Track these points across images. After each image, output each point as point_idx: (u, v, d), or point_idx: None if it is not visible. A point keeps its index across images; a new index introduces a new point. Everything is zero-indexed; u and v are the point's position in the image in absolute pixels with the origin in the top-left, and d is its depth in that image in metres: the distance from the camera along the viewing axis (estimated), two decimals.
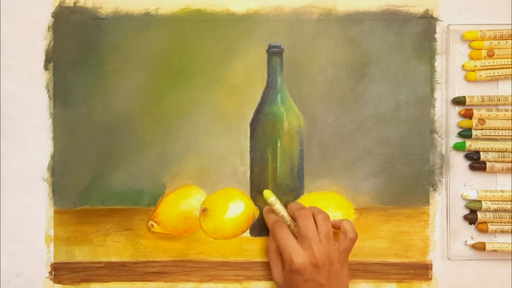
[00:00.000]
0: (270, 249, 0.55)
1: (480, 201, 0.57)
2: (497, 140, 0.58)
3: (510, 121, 0.57)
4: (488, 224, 0.57)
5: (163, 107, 0.58)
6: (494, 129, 0.57)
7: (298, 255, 0.51)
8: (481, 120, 0.57)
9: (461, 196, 0.58)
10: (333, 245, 0.52)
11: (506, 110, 0.57)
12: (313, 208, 0.54)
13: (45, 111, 0.58)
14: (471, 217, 0.58)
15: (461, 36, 0.58)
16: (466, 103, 0.57)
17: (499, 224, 0.57)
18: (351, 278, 0.58)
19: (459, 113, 0.58)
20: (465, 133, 0.58)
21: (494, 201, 0.57)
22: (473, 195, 0.57)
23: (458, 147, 0.58)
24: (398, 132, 0.58)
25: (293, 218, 0.54)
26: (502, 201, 0.57)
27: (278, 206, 0.54)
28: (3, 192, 0.58)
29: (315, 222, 0.53)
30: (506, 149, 0.57)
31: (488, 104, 0.57)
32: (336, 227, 0.54)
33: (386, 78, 0.58)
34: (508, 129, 0.57)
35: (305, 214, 0.53)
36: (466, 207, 0.58)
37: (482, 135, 0.57)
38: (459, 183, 0.58)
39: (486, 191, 0.58)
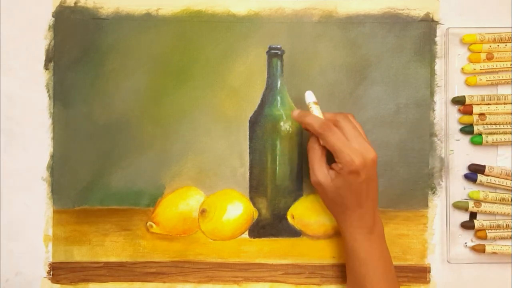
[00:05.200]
0: (314, 148, 0.53)
1: (467, 200, 0.58)
2: (498, 134, 0.58)
3: (510, 116, 0.57)
4: (487, 231, 0.57)
5: (163, 108, 0.58)
6: (496, 123, 0.57)
7: (357, 155, 0.50)
8: (482, 115, 0.57)
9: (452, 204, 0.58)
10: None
11: (505, 103, 0.57)
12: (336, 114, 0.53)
13: (45, 110, 0.58)
14: (468, 225, 0.58)
15: (460, 39, 0.58)
16: (466, 103, 0.58)
17: (497, 231, 0.57)
18: None
19: (459, 110, 0.58)
20: (467, 129, 0.58)
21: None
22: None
23: (475, 141, 0.57)
24: (398, 135, 0.58)
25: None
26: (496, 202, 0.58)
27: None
28: (3, 191, 0.58)
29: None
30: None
31: (488, 103, 0.57)
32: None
33: (386, 81, 0.58)
34: (509, 124, 0.57)
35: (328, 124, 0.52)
36: (453, 206, 0.58)
37: (485, 130, 0.57)
38: (459, 186, 0.58)
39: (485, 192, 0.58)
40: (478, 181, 0.57)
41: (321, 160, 0.53)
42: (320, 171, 0.53)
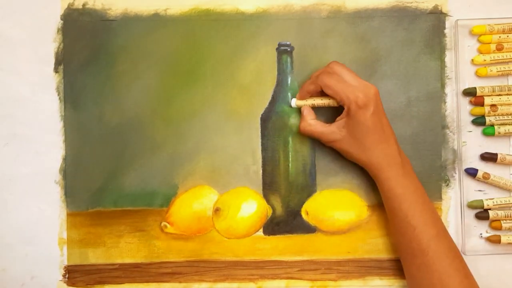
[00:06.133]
0: (309, 124, 0.55)
1: (481, 199, 0.58)
2: (510, 124, 0.58)
3: None
4: (502, 222, 0.57)
5: (174, 107, 0.58)
6: (508, 114, 0.57)
7: (360, 91, 0.52)
8: (493, 106, 0.57)
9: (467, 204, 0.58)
10: None
11: None
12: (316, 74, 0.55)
13: (56, 113, 0.58)
14: (482, 215, 0.58)
15: (469, 30, 0.58)
16: (477, 94, 0.57)
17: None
18: (364, 276, 0.58)
19: (470, 102, 0.58)
20: (479, 121, 0.58)
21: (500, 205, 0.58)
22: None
23: (487, 133, 0.57)
24: (410, 128, 0.58)
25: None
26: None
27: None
28: (16, 195, 0.58)
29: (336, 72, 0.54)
30: None
31: (499, 94, 0.57)
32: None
33: (397, 74, 0.58)
34: None
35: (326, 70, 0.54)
36: (468, 206, 0.58)
37: (497, 121, 0.57)
38: (472, 178, 0.58)
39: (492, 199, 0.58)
40: (477, 177, 0.57)
41: (320, 126, 0.55)
42: (326, 134, 0.55)
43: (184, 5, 0.59)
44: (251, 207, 0.58)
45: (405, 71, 0.58)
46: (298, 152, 0.58)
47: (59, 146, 0.58)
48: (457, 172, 0.58)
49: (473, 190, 0.58)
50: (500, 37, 0.58)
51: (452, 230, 0.58)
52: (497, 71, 0.58)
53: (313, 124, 0.55)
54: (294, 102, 0.56)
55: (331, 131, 0.54)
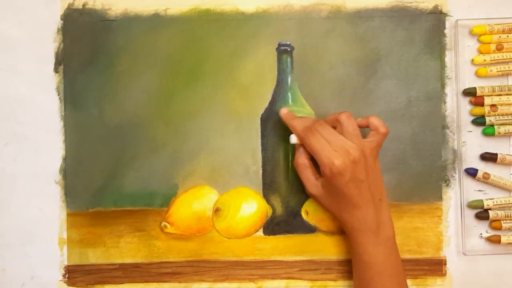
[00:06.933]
0: (300, 164, 0.54)
1: (481, 199, 0.58)
2: (510, 124, 0.58)
3: None
4: (502, 222, 0.57)
5: (174, 107, 0.58)
6: (507, 114, 0.57)
7: (337, 157, 0.50)
8: (493, 107, 0.57)
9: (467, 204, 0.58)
10: (362, 141, 0.52)
11: None
12: (330, 116, 0.54)
13: (56, 113, 0.58)
14: (482, 215, 0.58)
15: (470, 30, 0.58)
16: (477, 94, 0.57)
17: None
18: None
19: (470, 102, 0.58)
20: (479, 121, 0.58)
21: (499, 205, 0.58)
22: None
23: (487, 133, 0.57)
24: (410, 128, 0.58)
25: None
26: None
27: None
28: (16, 195, 0.58)
29: (340, 123, 0.52)
30: None
31: (499, 94, 0.57)
32: (364, 125, 0.54)
33: (397, 74, 0.58)
34: None
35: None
36: (468, 206, 0.58)
37: (497, 121, 0.57)
38: (472, 178, 0.58)
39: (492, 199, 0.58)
40: (477, 177, 0.57)
41: (308, 172, 0.54)
42: (309, 184, 0.54)
43: (184, 5, 0.59)
44: (251, 207, 0.58)
45: (405, 71, 0.58)
46: None
47: (59, 146, 0.58)
48: (457, 172, 0.58)
49: (473, 190, 0.58)
50: (500, 37, 0.58)
51: (452, 230, 0.58)
52: (497, 71, 0.58)
53: (304, 166, 0.55)
54: (294, 139, 0.54)
55: (314, 184, 0.54)
